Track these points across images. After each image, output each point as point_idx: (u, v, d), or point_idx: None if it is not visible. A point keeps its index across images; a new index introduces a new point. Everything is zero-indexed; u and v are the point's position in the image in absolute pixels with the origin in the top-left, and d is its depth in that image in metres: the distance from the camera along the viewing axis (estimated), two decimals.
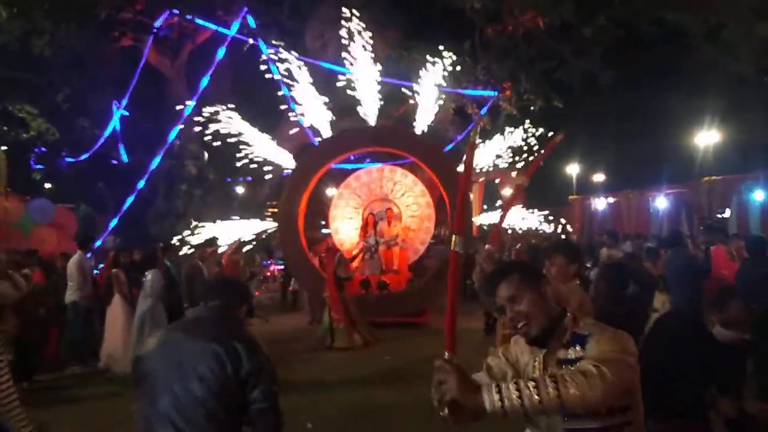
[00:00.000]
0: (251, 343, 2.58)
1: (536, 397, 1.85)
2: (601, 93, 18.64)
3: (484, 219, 12.64)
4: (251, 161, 12.87)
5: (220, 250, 10.48)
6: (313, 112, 12.43)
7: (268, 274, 16.93)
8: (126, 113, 15.19)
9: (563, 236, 13.04)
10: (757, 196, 18.08)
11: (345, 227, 13.53)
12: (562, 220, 12.29)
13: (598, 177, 30.76)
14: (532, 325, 2.20)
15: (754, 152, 20.84)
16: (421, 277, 12.71)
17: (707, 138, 21.19)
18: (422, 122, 12.31)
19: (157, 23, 13.27)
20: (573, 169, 29.86)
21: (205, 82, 13.34)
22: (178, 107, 13.31)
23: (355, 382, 7.99)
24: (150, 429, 2.50)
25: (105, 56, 14.08)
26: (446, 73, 12.16)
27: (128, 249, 10.88)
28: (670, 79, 20.37)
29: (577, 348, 2.13)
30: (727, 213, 18.69)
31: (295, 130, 13.66)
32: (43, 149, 17.77)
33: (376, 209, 13.28)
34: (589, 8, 12.77)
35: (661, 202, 23.85)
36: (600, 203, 25.13)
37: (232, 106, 12.17)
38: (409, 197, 13.26)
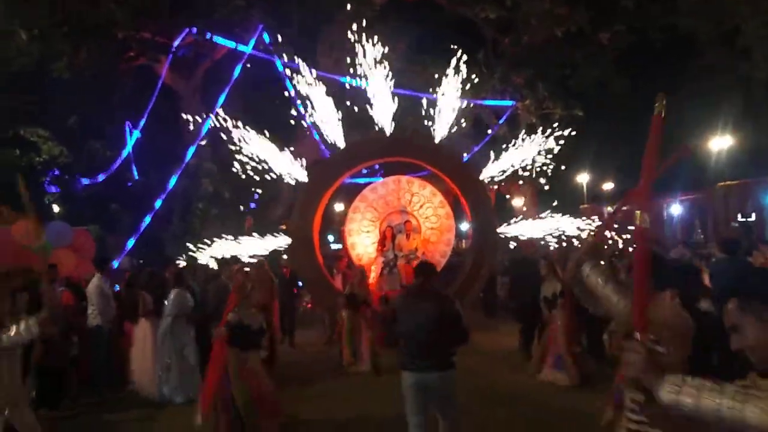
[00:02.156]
0: None
1: (711, 403, 1.87)
2: (612, 100, 18.52)
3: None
4: (265, 178, 12.68)
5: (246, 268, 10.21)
6: (327, 126, 12.22)
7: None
8: (139, 134, 15.07)
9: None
10: None
11: (361, 242, 13.22)
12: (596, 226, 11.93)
13: (608, 185, 30.53)
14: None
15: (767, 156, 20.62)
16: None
17: (720, 143, 20.96)
18: (439, 134, 12.08)
19: (176, 42, 13.14)
20: (583, 178, 29.62)
21: (222, 99, 13.19)
22: (192, 126, 13.12)
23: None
24: None
25: (119, 77, 13.99)
26: (462, 84, 11.95)
27: (150, 268, 10.59)
28: (681, 84, 20.17)
29: None
30: (741, 217, 18.45)
31: (308, 142, 13.45)
32: (56, 172, 17.66)
33: (394, 222, 12.95)
34: (604, 14, 12.65)
35: (675, 209, 23.63)
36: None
37: (244, 124, 11.99)
38: (428, 209, 12.92)
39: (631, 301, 2.76)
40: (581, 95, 15.97)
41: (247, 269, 9.47)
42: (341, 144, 12.16)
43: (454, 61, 11.89)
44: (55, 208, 20.06)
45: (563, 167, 13.99)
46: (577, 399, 7.22)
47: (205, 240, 12.00)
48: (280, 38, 12.37)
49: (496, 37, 13.40)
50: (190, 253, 10.93)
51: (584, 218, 12.20)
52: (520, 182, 13.73)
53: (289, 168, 12.33)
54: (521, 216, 13.53)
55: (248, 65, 13.21)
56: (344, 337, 9.59)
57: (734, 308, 2.07)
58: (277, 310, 9.34)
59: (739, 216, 18.29)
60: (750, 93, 17.75)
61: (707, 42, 14.87)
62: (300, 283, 13.04)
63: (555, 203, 12.96)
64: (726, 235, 9.49)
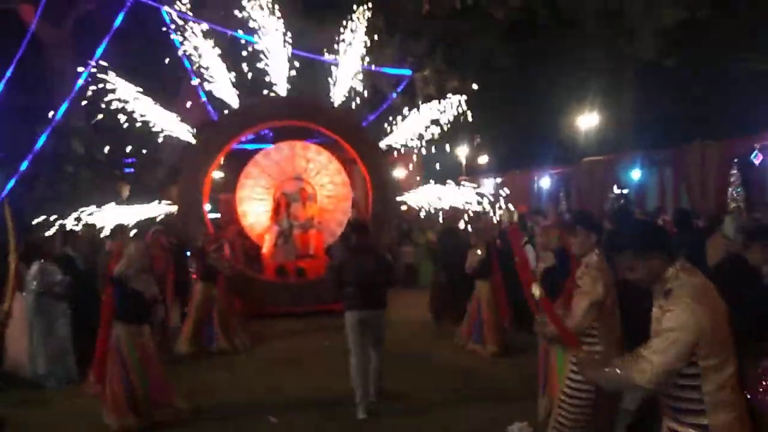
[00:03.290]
0: None
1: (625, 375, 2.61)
2: (494, 75, 18.91)
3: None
4: (144, 139, 11.58)
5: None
6: (217, 85, 11.31)
7: None
8: None
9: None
10: (635, 175, 19.23)
11: (254, 210, 12.53)
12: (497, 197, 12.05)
13: (483, 159, 31.52)
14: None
15: (630, 133, 22.14)
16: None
17: (588, 120, 22.18)
18: (337, 99, 11.60)
19: None
20: (462, 151, 30.32)
21: (100, 50, 11.78)
22: (62, 80, 11.65)
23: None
24: None
25: None
26: (362, 49, 11.54)
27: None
28: (558, 62, 21.00)
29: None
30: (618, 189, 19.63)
31: (194, 102, 12.43)
32: None
33: (289, 189, 12.41)
34: None
35: (544, 182, 24.80)
36: (489, 183, 25.68)
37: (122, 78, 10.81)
38: (325, 176, 12.44)
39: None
40: (466, 69, 16.12)
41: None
42: (233, 105, 11.34)
43: (353, 24, 11.43)
44: None
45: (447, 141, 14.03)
46: (499, 369, 7.27)
47: (82, 207, 10.77)
48: None
49: (395, 4, 13.07)
50: (69, 221, 9.73)
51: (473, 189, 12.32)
52: (414, 152, 13.54)
53: (174, 128, 11.32)
54: (410, 186, 13.50)
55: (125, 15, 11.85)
56: (191, 312, 8.46)
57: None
58: (171, 283, 8.52)
59: (615, 188, 19.49)
60: (620, 73, 18.85)
61: (587, 20, 15.46)
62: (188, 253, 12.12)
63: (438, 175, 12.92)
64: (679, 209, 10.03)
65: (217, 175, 22.31)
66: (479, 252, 7.63)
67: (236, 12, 11.46)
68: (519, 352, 7.58)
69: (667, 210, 15.21)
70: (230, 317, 8.86)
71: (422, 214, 15.13)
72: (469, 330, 8.01)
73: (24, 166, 11.98)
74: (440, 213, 12.03)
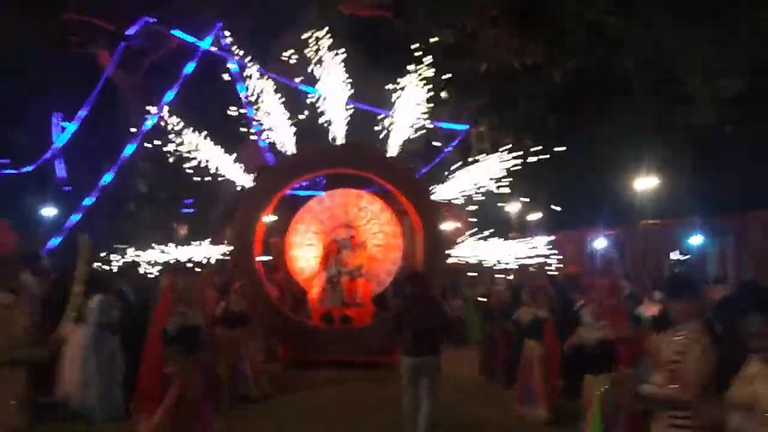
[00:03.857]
0: None
1: None
2: (545, 135, 18.76)
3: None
4: (204, 181, 11.85)
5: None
6: (277, 132, 11.57)
7: None
8: (68, 125, 13.81)
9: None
10: (694, 240, 18.60)
11: (304, 255, 12.57)
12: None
13: (534, 216, 31.12)
14: None
15: (686, 198, 21.54)
16: (388, 311, 11.89)
17: (644, 183, 21.70)
18: (391, 150, 11.67)
19: (131, 31, 12.09)
20: (512, 207, 30.01)
21: (170, 96, 12.27)
22: (132, 122, 12.14)
23: None
24: None
25: (57, 62, 12.79)
26: (418, 103, 11.64)
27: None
28: (611, 122, 20.75)
29: None
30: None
31: (253, 148, 12.72)
32: None
33: (340, 236, 12.40)
34: (555, 49, 12.75)
35: (599, 243, 24.23)
36: (541, 241, 25.19)
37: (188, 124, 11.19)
38: (375, 225, 12.38)
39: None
40: (520, 127, 16.06)
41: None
42: (291, 151, 11.54)
43: (411, 79, 11.56)
44: None
45: (505, 193, 13.90)
46: None
47: (137, 244, 11.05)
48: (234, 37, 11.64)
49: (452, 62, 13.23)
50: (127, 257, 9.96)
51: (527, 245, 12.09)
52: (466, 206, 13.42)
53: (233, 172, 11.58)
54: (459, 240, 13.34)
55: (213, 63, 12.37)
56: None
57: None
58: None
59: (677, 254, 18.92)
60: (675, 137, 18.47)
61: (643, 85, 15.30)
62: None
63: (491, 230, 12.72)
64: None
65: (268, 219, 22.82)
66: (533, 311, 7.35)
67: (298, 61, 11.78)
68: (570, 420, 7.13)
69: (728, 279, 14.60)
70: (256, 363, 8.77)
71: (471, 270, 14.92)
72: (520, 392, 7.66)
73: (88, 201, 12.42)
74: (492, 267, 11.81)
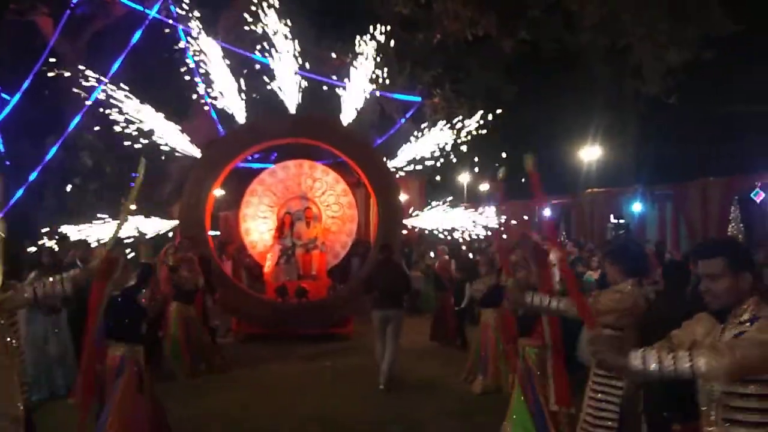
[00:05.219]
0: None
1: (671, 366, 2.30)
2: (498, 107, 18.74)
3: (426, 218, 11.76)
4: (153, 154, 11.31)
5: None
6: (227, 101, 11.09)
7: None
8: (7, 97, 12.95)
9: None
10: (635, 207, 19.07)
11: (257, 227, 12.25)
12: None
13: (484, 186, 31.36)
14: (716, 302, 2.47)
15: (631, 168, 22.04)
16: (343, 283, 11.72)
17: (590, 153, 22.10)
18: (345, 121, 11.36)
19: None
20: (464, 178, 30.16)
21: (116, 65, 11.60)
22: (75, 94, 11.43)
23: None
24: None
25: None
26: (371, 75, 11.35)
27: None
28: (562, 94, 20.92)
29: (747, 325, 2.35)
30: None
31: (204, 119, 12.20)
32: None
33: (294, 208, 12.12)
34: (509, 21, 12.60)
35: (545, 211, 24.60)
36: (490, 210, 25.41)
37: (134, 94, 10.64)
38: (330, 196, 12.14)
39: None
40: (473, 99, 15.95)
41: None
42: (241, 122, 11.11)
43: (366, 49, 11.23)
44: None
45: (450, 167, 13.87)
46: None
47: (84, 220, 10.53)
48: (185, 4, 11.03)
49: (405, 33, 12.95)
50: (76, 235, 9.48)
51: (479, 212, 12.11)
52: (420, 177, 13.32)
53: (183, 144, 11.10)
54: (411, 209, 13.25)
55: (160, 32, 11.70)
56: (169, 329, 8.02)
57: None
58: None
59: (612, 217, 19.38)
60: (622, 109, 18.76)
61: (594, 56, 15.36)
62: None
63: (449, 198, 12.69)
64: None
65: (218, 192, 22.27)
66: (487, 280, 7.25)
67: (248, 31, 11.32)
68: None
69: (667, 244, 15.04)
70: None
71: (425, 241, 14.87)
72: (473, 359, 7.67)
73: (33, 176, 11.73)
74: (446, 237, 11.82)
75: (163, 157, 11.27)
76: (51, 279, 3.98)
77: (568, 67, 18.13)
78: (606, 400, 3.58)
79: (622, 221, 18.74)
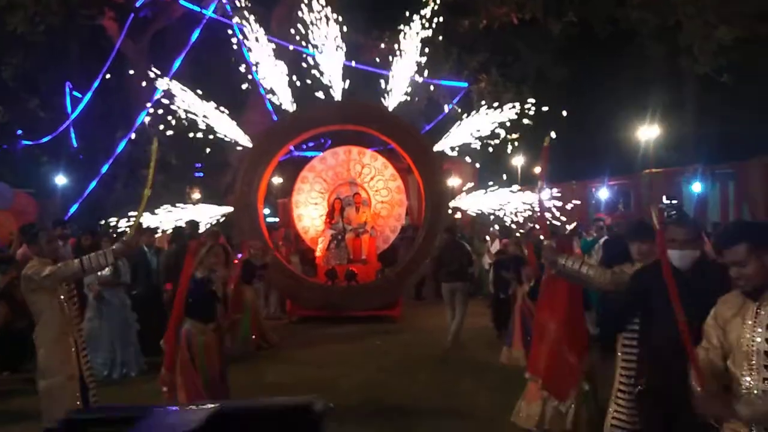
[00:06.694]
0: None
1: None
2: (550, 89, 18.40)
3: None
4: (213, 145, 11.79)
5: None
6: (279, 94, 11.40)
7: None
8: (85, 97, 13.76)
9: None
10: (695, 188, 18.32)
11: (309, 214, 12.48)
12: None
13: (538, 169, 30.81)
14: (749, 284, 2.43)
15: (690, 146, 21.17)
16: (392, 267, 11.87)
17: (648, 133, 21.32)
18: (392, 107, 11.46)
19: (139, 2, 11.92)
20: (518, 161, 29.70)
21: (177, 63, 12.15)
22: (141, 90, 12.05)
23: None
24: None
25: (70, 35, 12.65)
26: (418, 62, 11.39)
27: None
28: (618, 74, 20.29)
29: None
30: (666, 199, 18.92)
31: (259, 110, 12.57)
32: None
33: (343, 194, 12.26)
34: (555, 3, 12.38)
35: (602, 193, 23.97)
36: (545, 193, 24.97)
37: (194, 90, 11.10)
38: (379, 181, 12.22)
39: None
40: (521, 82, 15.75)
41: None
42: (291, 110, 11.37)
43: (412, 36, 11.27)
44: None
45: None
46: None
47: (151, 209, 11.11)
48: (238, 3, 11.40)
49: (451, 19, 12.90)
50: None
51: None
52: (467, 158, 13.19)
53: (237, 135, 11.50)
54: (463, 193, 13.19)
55: (218, 30, 12.20)
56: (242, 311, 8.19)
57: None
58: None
59: (664, 198, 18.73)
60: (679, 87, 18.03)
61: (647, 35, 14.85)
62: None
63: (492, 183, 12.53)
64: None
65: (276, 180, 22.79)
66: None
67: (300, 27, 11.57)
68: None
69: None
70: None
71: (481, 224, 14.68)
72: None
73: (105, 168, 12.48)
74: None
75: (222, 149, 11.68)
76: (94, 253, 4.44)
77: (622, 46, 17.56)
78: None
79: (674, 201, 18.09)
